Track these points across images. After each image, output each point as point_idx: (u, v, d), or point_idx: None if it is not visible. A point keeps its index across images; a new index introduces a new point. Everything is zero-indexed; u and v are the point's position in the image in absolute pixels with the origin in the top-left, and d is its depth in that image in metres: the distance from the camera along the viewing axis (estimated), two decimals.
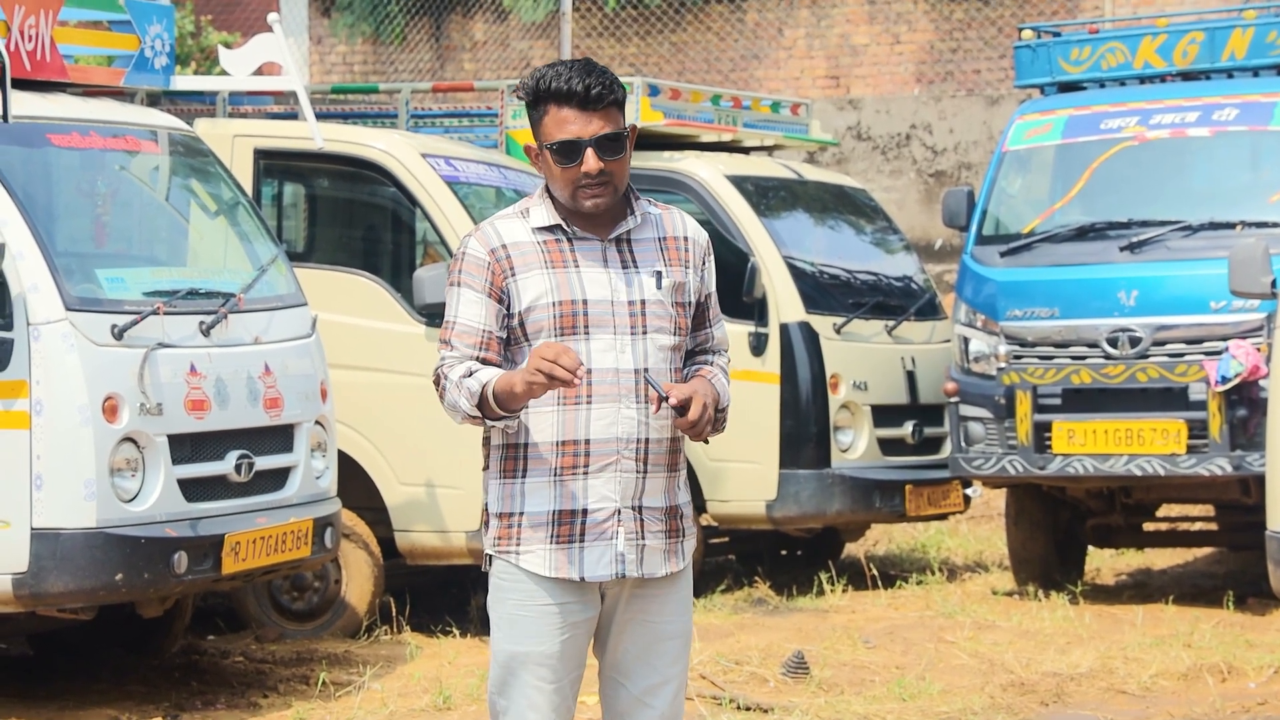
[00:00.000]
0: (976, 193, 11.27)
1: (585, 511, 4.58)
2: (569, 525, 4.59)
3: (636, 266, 4.63)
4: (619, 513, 4.59)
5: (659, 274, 4.64)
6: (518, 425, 4.59)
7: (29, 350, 7.49)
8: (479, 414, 4.54)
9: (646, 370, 4.58)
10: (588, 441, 4.57)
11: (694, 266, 4.71)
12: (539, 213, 4.63)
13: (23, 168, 7.93)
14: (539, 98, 4.57)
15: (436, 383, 4.63)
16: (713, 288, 4.78)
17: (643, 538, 4.61)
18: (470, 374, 4.54)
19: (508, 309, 4.60)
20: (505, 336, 4.62)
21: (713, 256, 4.77)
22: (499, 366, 4.59)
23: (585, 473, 4.57)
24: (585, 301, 4.58)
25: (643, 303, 4.62)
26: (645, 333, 4.61)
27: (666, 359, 4.63)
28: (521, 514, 4.61)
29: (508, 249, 4.60)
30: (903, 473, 11.33)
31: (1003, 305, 10.76)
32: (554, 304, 4.57)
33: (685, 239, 4.71)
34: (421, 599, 10.03)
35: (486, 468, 4.69)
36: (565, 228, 4.61)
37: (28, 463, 7.47)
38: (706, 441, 4.73)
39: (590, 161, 4.55)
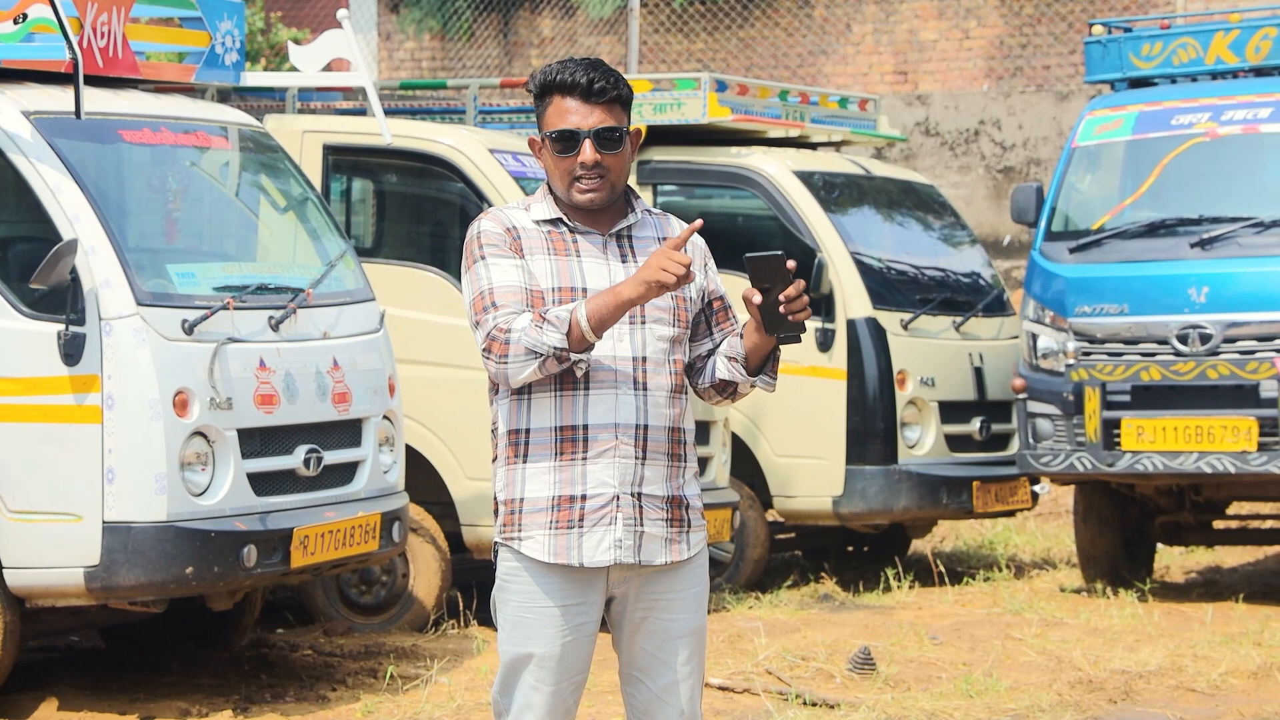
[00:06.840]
0: (1045, 189, 11.22)
1: (585, 497, 4.61)
2: (568, 510, 4.62)
3: (636, 260, 4.66)
4: (617, 499, 4.61)
5: None
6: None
7: (101, 345, 7.55)
8: (565, 345, 4.49)
9: (645, 359, 4.59)
10: (586, 427, 4.60)
11: (698, 267, 4.72)
12: (540, 207, 4.68)
13: (95, 164, 7.99)
14: (545, 89, 4.62)
15: (489, 349, 4.57)
16: (723, 291, 4.78)
17: (641, 524, 4.63)
18: (543, 317, 4.51)
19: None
20: None
21: (712, 260, 4.78)
22: None
23: (584, 458, 4.60)
24: (585, 290, 4.61)
25: None
26: (644, 323, 4.64)
27: (665, 349, 4.65)
28: (523, 500, 4.65)
29: (518, 230, 4.65)
30: (970, 469, 11.29)
31: (1072, 301, 10.71)
32: (554, 289, 4.61)
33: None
34: (488, 593, 10.03)
35: (495, 458, 4.72)
36: (566, 221, 4.66)
37: (99, 457, 7.52)
38: (768, 381, 4.70)
39: (587, 152, 4.59)
